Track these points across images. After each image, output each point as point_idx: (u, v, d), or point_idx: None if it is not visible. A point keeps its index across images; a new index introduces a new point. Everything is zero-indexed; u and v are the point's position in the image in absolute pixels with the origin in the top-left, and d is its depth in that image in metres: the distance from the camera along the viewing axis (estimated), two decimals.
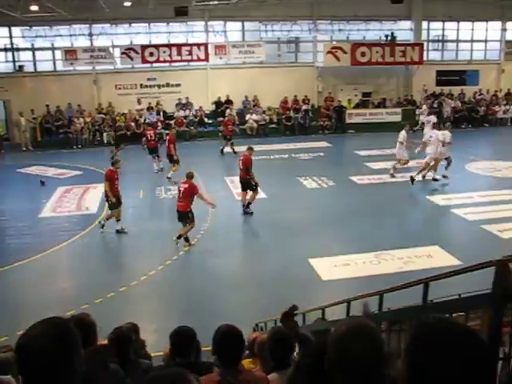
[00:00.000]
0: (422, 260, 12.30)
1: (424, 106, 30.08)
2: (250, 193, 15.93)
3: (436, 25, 33.52)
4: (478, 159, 22.69)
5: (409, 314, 4.12)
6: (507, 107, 32.85)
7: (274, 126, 29.94)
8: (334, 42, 31.53)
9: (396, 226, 14.90)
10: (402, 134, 19.71)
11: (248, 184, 15.90)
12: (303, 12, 30.68)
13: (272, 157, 23.90)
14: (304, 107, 30.33)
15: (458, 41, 34.18)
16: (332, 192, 18.40)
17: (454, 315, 3.38)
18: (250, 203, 15.87)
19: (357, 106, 31.53)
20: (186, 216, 13.38)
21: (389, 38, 31.44)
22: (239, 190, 18.30)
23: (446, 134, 18.98)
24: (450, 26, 33.70)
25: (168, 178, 19.98)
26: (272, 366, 4.13)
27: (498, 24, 34.24)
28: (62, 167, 22.80)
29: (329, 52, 30.48)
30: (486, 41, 34.50)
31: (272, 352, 4.13)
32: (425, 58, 32.18)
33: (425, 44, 32.55)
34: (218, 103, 30.12)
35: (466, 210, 15.77)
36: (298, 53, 32.15)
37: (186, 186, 13.30)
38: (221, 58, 29.91)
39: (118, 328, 5.02)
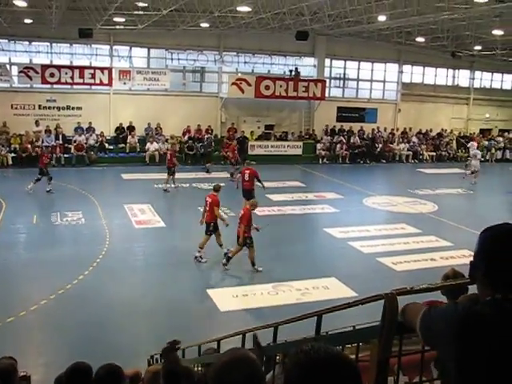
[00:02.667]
0: (319, 291, 12.46)
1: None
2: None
3: (338, 63, 34.78)
4: (375, 194, 23.47)
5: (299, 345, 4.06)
6: (403, 145, 34.36)
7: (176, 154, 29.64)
8: (239, 74, 31.90)
9: (294, 258, 15.01)
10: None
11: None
12: (210, 42, 30.90)
13: (173, 185, 23.60)
14: (207, 137, 30.37)
15: (358, 79, 35.56)
16: (232, 223, 18.33)
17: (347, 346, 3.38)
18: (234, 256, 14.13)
19: (259, 138, 31.93)
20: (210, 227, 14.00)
21: (293, 72, 32.18)
22: (138, 217, 18.03)
23: None
24: (352, 65, 35.11)
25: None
26: None
27: (395, 66, 36.00)
28: None
29: (233, 83, 30.77)
30: (384, 81, 36.14)
31: None
32: (327, 94, 33.19)
33: (327, 81, 33.61)
34: (120, 129, 29.60)
35: (363, 243, 16.20)
36: (202, 82, 32.25)
37: (210, 200, 14.05)
38: (125, 84, 29.44)
39: None
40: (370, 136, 34.13)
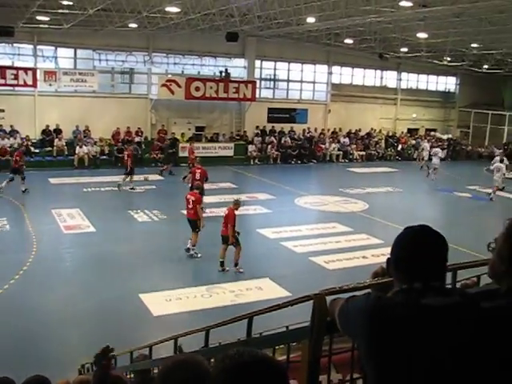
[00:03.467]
0: (253, 292, 12.46)
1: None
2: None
3: (268, 64, 34.97)
4: (307, 194, 23.69)
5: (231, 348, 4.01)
6: (333, 145, 34.86)
7: (105, 157, 29.11)
8: (169, 75, 31.57)
9: (227, 259, 14.94)
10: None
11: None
12: (138, 43, 30.46)
13: (103, 189, 23.19)
14: (137, 139, 29.90)
15: (288, 80, 35.86)
16: (163, 226, 18.18)
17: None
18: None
19: (190, 140, 31.65)
20: (228, 239, 13.79)
21: (223, 74, 32.12)
22: (67, 222, 17.58)
23: None
24: (282, 66, 35.39)
25: None
26: None
27: (324, 67, 36.52)
28: None
29: (163, 85, 30.42)
30: (314, 82, 36.59)
31: None
32: (257, 96, 33.29)
33: (257, 82, 33.71)
34: (46, 132, 28.74)
35: (295, 243, 16.31)
36: (132, 84, 31.77)
37: (227, 212, 13.99)
38: (51, 85, 28.50)
39: None
40: (307, 136, 34.49)
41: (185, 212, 15.56)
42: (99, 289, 12.55)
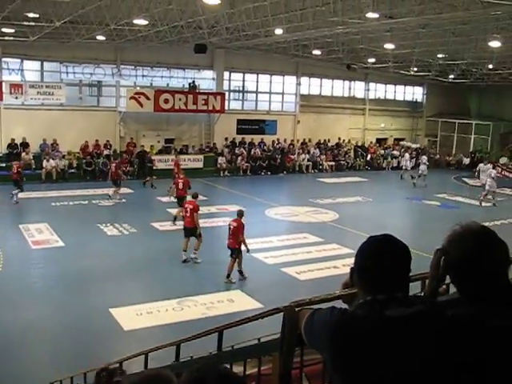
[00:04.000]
0: (225, 305, 12.39)
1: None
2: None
3: (237, 76, 35.07)
4: (277, 205, 23.71)
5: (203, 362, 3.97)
6: (303, 156, 35.01)
7: (73, 170, 28.77)
8: (138, 88, 31.44)
9: (198, 272, 14.87)
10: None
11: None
12: (106, 55, 30.29)
13: (72, 203, 22.91)
14: (105, 152, 29.65)
15: (257, 92, 36.00)
16: (133, 239, 17.99)
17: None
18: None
19: (159, 152, 31.54)
20: (236, 250, 13.90)
21: (191, 85, 32.11)
22: (35, 238, 17.34)
23: None
24: (250, 77, 35.52)
25: None
26: None
27: (293, 78, 36.74)
28: None
29: (132, 97, 30.25)
30: (282, 93, 36.77)
31: None
32: (226, 107, 33.29)
33: (226, 93, 33.73)
34: (12, 146, 28.30)
35: (266, 254, 16.28)
36: (100, 96, 31.55)
37: (236, 224, 13.93)
38: (17, 98, 28.15)
39: None
40: (276, 147, 34.59)
41: (155, 224, 15.43)
42: (69, 305, 12.34)
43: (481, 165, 29.15)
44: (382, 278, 2.16)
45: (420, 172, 30.70)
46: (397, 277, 2.19)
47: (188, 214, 15.46)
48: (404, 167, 33.19)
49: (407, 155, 34.14)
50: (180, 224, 18.03)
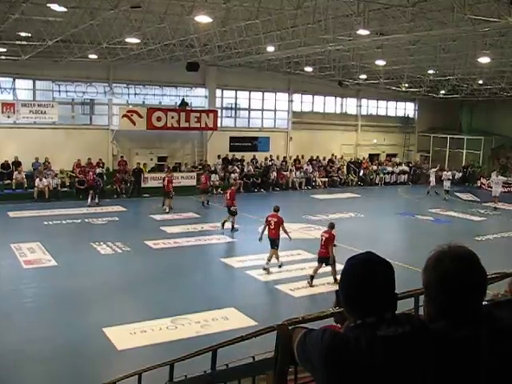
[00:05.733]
0: (219, 323, 12.29)
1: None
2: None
3: (229, 93, 35.21)
4: None
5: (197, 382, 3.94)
6: (296, 173, 35.05)
7: (66, 189, 28.68)
8: (130, 106, 31.51)
9: (192, 290, 14.78)
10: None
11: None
12: (99, 74, 30.34)
13: (64, 222, 22.79)
14: (98, 170, 29.61)
15: (249, 109, 36.13)
16: (127, 257, 17.90)
17: None
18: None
19: (152, 170, 31.52)
20: (327, 260, 14.95)
21: (182, 102, 32.22)
22: (27, 257, 17.19)
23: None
24: (243, 95, 35.67)
25: None
26: None
27: (285, 95, 36.90)
28: None
29: (124, 115, 30.29)
30: (275, 110, 36.92)
31: None
32: (219, 125, 33.37)
33: (219, 111, 33.82)
34: (4, 165, 28.23)
35: (260, 271, 16.23)
36: (92, 115, 31.57)
37: (327, 235, 15.18)
38: (9, 117, 28.15)
39: None
40: (269, 164, 34.66)
41: (149, 243, 15.30)
42: (62, 325, 12.22)
43: (493, 177, 31.66)
44: (370, 302, 2.16)
45: (445, 187, 32.11)
46: (384, 298, 2.19)
47: (272, 227, 16.86)
48: (431, 183, 33.79)
49: (433, 170, 34.61)
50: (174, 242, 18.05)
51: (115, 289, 14.70)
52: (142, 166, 30.55)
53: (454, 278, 2.13)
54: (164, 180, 26.42)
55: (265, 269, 16.33)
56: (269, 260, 16.49)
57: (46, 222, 22.47)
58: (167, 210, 25.14)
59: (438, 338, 2.09)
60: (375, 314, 2.14)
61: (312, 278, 14.96)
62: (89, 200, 26.35)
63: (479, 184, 37.54)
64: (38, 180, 27.56)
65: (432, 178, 33.77)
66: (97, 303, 13.61)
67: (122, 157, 31.06)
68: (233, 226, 21.53)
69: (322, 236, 15.46)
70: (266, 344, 3.10)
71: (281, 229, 16.97)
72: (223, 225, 21.68)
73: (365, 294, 2.17)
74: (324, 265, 15.08)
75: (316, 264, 15.36)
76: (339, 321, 2.57)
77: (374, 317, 2.14)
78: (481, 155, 40.48)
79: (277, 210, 17.60)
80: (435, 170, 34.61)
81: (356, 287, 2.20)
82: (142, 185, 29.95)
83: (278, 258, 16.74)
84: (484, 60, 23.86)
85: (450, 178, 33.04)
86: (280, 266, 16.67)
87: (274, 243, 16.78)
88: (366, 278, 2.18)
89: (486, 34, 20.49)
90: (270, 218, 17.24)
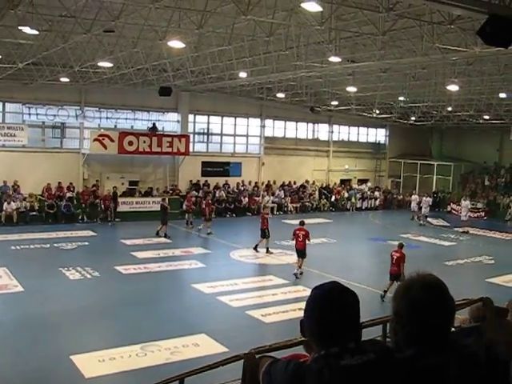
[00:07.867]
0: (190, 349, 12.12)
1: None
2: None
3: (202, 118, 35.27)
4: (242, 247, 23.59)
5: None
6: (268, 198, 35.05)
7: (35, 213, 28.25)
8: (102, 130, 31.34)
9: (162, 316, 14.56)
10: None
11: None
12: (70, 97, 30.17)
13: (32, 246, 22.41)
14: (68, 194, 29.27)
15: (222, 134, 36.19)
16: (96, 283, 17.62)
17: None
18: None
19: (123, 195, 31.27)
20: (399, 277, 15.46)
21: (151, 127, 32.22)
22: (15, 281, 16.78)
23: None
24: (215, 120, 35.76)
25: None
26: None
27: (257, 121, 37.08)
28: None
29: (96, 139, 30.11)
30: (247, 135, 37.05)
31: None
32: (191, 149, 33.38)
33: (191, 136, 33.84)
34: None
35: (231, 297, 16.11)
36: (63, 138, 31.29)
37: (398, 254, 16.32)
38: None
39: None
40: (241, 189, 34.63)
41: (119, 268, 15.06)
42: (27, 352, 11.91)
43: (463, 202, 33.32)
44: (333, 333, 2.15)
45: (423, 213, 33.02)
46: (347, 328, 2.18)
47: (300, 239, 18.85)
48: (412, 209, 34.54)
49: (415, 197, 34.98)
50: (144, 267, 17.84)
51: (84, 315, 14.42)
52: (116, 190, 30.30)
53: (423, 306, 2.14)
54: (202, 203, 28.04)
55: (295, 274, 18.46)
56: (299, 267, 18.65)
57: (13, 247, 22.07)
58: (209, 231, 26.37)
59: (404, 365, 2.10)
60: (338, 345, 2.14)
61: (385, 292, 15.62)
62: None
63: (449, 209, 37.98)
64: (6, 204, 27.10)
65: (414, 204, 34.23)
66: (65, 330, 13.32)
67: (97, 181, 30.81)
68: (256, 246, 22.95)
69: (393, 255, 16.54)
70: (235, 371, 3.04)
71: (307, 240, 18.92)
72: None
73: (328, 325, 2.16)
74: (396, 282, 15.53)
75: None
76: (308, 350, 2.53)
77: (338, 347, 2.14)
78: (451, 181, 41.06)
79: (302, 223, 19.58)
80: (416, 196, 35.10)
81: (319, 318, 2.19)
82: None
83: (300, 266, 18.67)
84: (453, 88, 24.35)
85: (430, 203, 33.81)
86: (301, 274, 18.51)
87: (302, 253, 18.76)
88: (329, 309, 2.18)
89: (455, 63, 20.93)
90: (297, 232, 19.10)
